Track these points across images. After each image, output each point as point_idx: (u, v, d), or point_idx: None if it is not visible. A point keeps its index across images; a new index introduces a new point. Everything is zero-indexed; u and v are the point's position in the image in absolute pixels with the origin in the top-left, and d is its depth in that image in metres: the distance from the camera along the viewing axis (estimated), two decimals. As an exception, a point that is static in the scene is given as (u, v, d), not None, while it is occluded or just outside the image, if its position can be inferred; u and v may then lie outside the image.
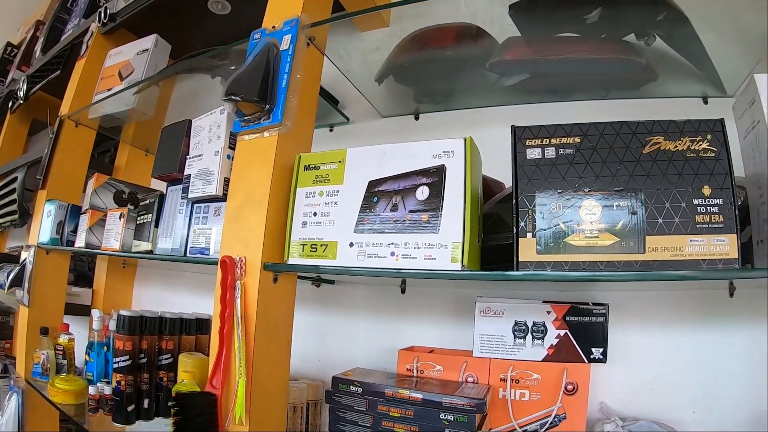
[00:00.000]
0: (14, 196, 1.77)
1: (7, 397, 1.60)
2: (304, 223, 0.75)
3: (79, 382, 1.35)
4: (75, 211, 1.45)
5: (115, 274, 1.76)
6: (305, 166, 0.79)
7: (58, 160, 1.62)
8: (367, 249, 0.68)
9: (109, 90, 1.51)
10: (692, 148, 0.56)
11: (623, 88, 0.98)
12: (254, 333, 0.77)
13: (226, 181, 0.89)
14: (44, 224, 1.55)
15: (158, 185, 1.36)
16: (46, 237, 1.50)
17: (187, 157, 0.98)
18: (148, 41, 1.49)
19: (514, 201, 0.60)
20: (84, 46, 1.74)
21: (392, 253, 0.66)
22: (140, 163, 1.86)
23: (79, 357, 1.58)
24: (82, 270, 1.82)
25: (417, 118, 1.24)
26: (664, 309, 0.90)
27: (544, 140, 0.62)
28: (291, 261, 0.76)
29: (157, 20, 1.53)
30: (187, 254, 0.93)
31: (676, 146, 0.57)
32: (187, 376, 0.96)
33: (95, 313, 1.37)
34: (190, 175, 0.95)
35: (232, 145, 0.91)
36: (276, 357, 0.84)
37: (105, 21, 1.62)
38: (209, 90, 1.46)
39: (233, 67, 1.22)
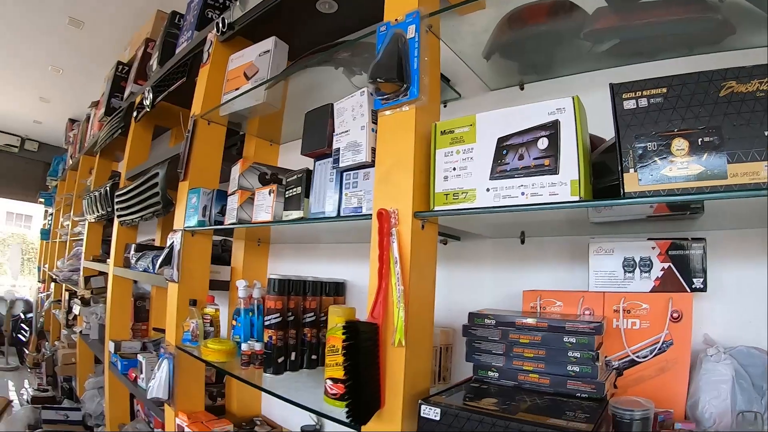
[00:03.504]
0: (157, 189, 2.21)
1: (158, 364, 2.03)
2: (446, 177, 1.03)
3: (228, 343, 1.72)
4: (220, 196, 1.83)
5: (251, 251, 2.17)
6: (441, 131, 1.07)
7: (195, 154, 2.01)
8: (502, 192, 0.95)
9: (236, 89, 1.86)
10: (761, 88, 0.77)
11: (705, 44, 1.16)
12: (408, 271, 1.06)
13: (373, 150, 1.19)
14: (189, 210, 1.95)
15: (290, 163, 1.71)
16: (194, 221, 1.89)
17: (334, 134, 1.30)
18: (269, 43, 1.82)
19: (617, 143, 0.84)
20: (206, 54, 2.13)
21: (522, 193, 0.92)
22: (266, 151, 2.25)
23: (223, 324, 1.99)
24: (215, 253, 2.25)
25: (522, 89, 1.49)
26: (757, 246, 1.08)
27: (637, 93, 0.84)
28: (437, 209, 1.04)
29: (270, 24, 1.88)
30: (341, 214, 1.25)
31: (746, 88, 0.77)
32: (339, 320, 1.28)
33: (240, 283, 1.72)
34: (339, 148, 1.26)
35: (374, 120, 1.20)
36: (425, 292, 1.13)
37: (224, 30, 1.98)
38: (321, 81, 1.75)
39: (356, 58, 1.54)
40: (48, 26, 4.64)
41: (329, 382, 1.26)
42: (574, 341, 1.05)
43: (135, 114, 3.07)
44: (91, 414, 3.61)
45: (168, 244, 2.02)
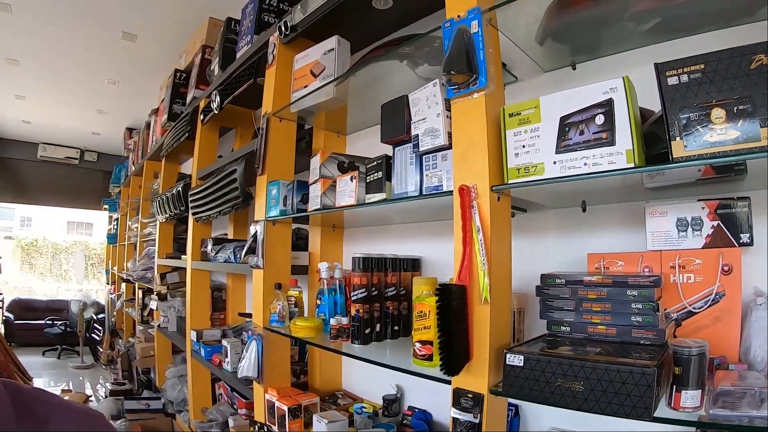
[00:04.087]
0: (236, 184, 2.46)
1: (247, 346, 2.26)
2: (516, 154, 1.21)
3: (315, 321, 1.93)
4: (300, 186, 2.04)
5: (327, 237, 2.40)
6: (509, 113, 1.25)
7: (270, 150, 2.23)
8: (567, 164, 1.13)
9: (305, 87, 2.06)
10: (786, 59, 0.92)
11: (740, 16, 1.27)
12: (490, 237, 1.25)
13: (449, 134, 1.38)
14: (270, 202, 2.17)
15: (359, 151, 1.91)
16: (275, 211, 2.11)
17: (412, 122, 1.49)
18: (332, 42, 2.00)
19: (664, 115, 1.00)
20: (270, 57, 2.33)
21: (585, 164, 1.10)
22: (334, 142, 2.47)
23: (305, 305, 2.21)
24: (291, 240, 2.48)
25: (574, 68, 1.64)
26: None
27: (678, 70, 1.00)
28: (511, 182, 1.23)
29: (329, 24, 2.07)
30: (423, 193, 1.44)
31: (774, 60, 0.92)
32: (426, 288, 1.47)
33: (323, 265, 1.92)
34: (417, 134, 1.45)
35: (447, 108, 1.39)
36: (503, 256, 1.33)
37: (287, 33, 2.18)
38: (383, 73, 1.90)
39: (419, 51, 1.72)
40: (103, 42, 4.98)
41: (418, 345, 1.44)
42: (636, 294, 1.20)
43: (202, 117, 3.32)
44: (172, 401, 3.92)
45: (251, 234, 2.25)
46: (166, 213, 3.88)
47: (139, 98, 6.60)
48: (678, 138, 0.99)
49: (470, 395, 1.28)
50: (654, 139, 1.11)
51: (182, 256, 3.78)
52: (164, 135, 4.38)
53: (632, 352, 1.12)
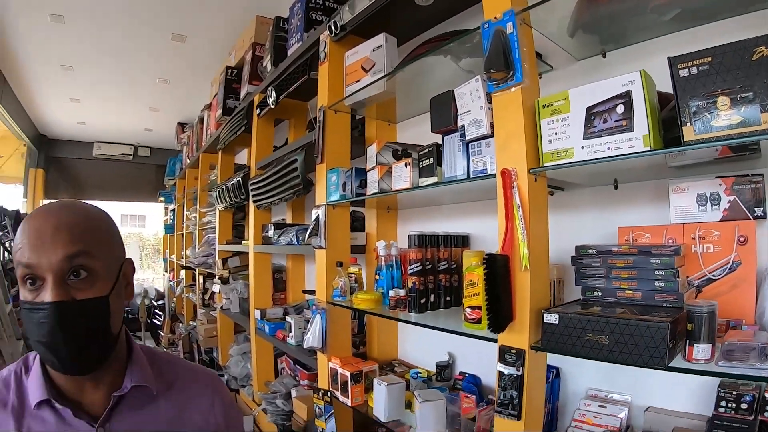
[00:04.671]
0: (297, 173, 2.71)
1: (311, 320, 2.51)
2: (550, 140, 1.41)
3: (375, 294, 2.15)
4: (358, 172, 2.27)
5: (382, 218, 2.64)
6: (543, 105, 1.44)
7: (328, 140, 2.46)
8: (593, 148, 1.32)
9: (357, 82, 2.27)
10: (783, 52, 1.06)
11: (756, 2, 1.37)
12: (528, 213, 1.45)
13: (491, 124, 1.58)
14: (330, 188, 2.41)
15: (409, 139, 2.12)
16: (336, 196, 2.35)
17: (458, 114, 1.70)
18: (380, 39, 2.20)
19: (676, 103, 1.17)
20: (322, 54, 2.55)
21: (608, 147, 1.28)
22: (385, 131, 2.70)
23: (364, 281, 2.45)
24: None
25: (604, 56, 1.79)
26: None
27: (689, 62, 1.15)
28: (546, 165, 1.43)
29: (376, 21, 2.26)
30: (470, 176, 1.66)
31: (773, 52, 1.07)
32: (475, 259, 1.67)
33: (380, 244, 2.14)
34: (464, 125, 1.66)
35: (488, 101, 1.59)
36: (541, 229, 1.53)
37: (337, 32, 2.39)
38: (428, 66, 2.07)
39: (461, 46, 1.89)
40: (153, 44, 5.32)
41: (468, 310, 1.66)
42: (659, 262, 1.39)
43: (258, 111, 3.58)
44: (236, 377, 4.22)
45: (313, 217, 2.49)
46: (226, 202, 4.17)
47: (189, 94, 6.95)
48: (689, 123, 1.16)
49: (513, 351, 1.49)
50: (672, 123, 1.26)
51: (243, 241, 4.08)
52: (219, 129, 4.65)
53: (653, 312, 1.31)
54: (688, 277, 1.44)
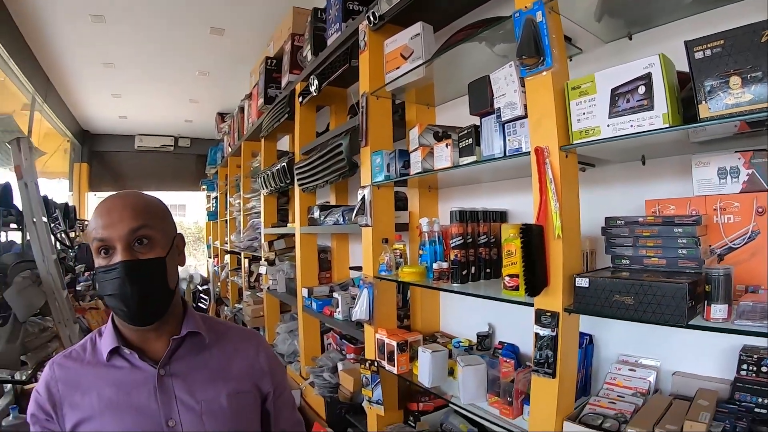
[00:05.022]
0: (343, 156, 2.90)
1: (359, 294, 2.69)
2: (578, 120, 1.55)
3: (420, 267, 2.30)
4: (401, 154, 2.44)
5: (424, 196, 2.81)
6: (572, 87, 1.57)
7: (371, 124, 2.62)
8: (617, 126, 1.45)
9: (397, 69, 2.42)
10: (789, 34, 1.16)
11: None
12: (560, 186, 1.60)
13: (524, 106, 1.73)
14: (374, 169, 2.57)
15: (448, 121, 2.28)
16: (381, 177, 2.52)
17: (494, 97, 1.85)
18: (417, 27, 2.34)
19: (692, 83, 1.29)
20: (362, 43, 2.70)
21: (631, 125, 1.42)
22: (425, 114, 2.86)
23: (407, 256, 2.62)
24: (392, 202, 2.90)
25: (630, 39, 1.89)
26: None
27: (704, 45, 1.24)
28: (575, 142, 1.57)
29: (413, 10, 2.40)
30: (506, 154, 1.81)
31: (780, 34, 1.17)
32: (513, 231, 1.79)
33: (424, 221, 2.29)
34: (500, 107, 1.82)
35: (522, 84, 1.73)
36: (572, 201, 1.67)
37: (375, 22, 2.55)
38: (463, 52, 2.17)
39: (495, 33, 2.01)
40: (192, 39, 5.57)
41: (507, 278, 1.82)
42: (682, 231, 1.50)
43: (300, 99, 3.75)
44: (283, 354, 4.44)
45: (359, 198, 2.66)
46: (271, 187, 4.38)
47: (228, 85, 7.22)
48: (704, 102, 1.27)
49: (548, 313, 1.65)
50: (691, 102, 1.35)
51: (288, 224, 4.30)
52: (261, 117, 4.85)
53: (675, 276, 1.44)
54: (710, 245, 1.54)
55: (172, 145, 10.46)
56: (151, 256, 1.18)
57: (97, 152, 10.22)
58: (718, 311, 1.33)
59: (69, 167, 9.65)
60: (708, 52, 1.27)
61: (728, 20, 1.44)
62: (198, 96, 7.92)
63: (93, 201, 10.11)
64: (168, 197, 15.54)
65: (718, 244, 1.54)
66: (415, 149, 2.30)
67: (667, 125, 1.36)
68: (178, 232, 1.31)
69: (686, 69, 1.34)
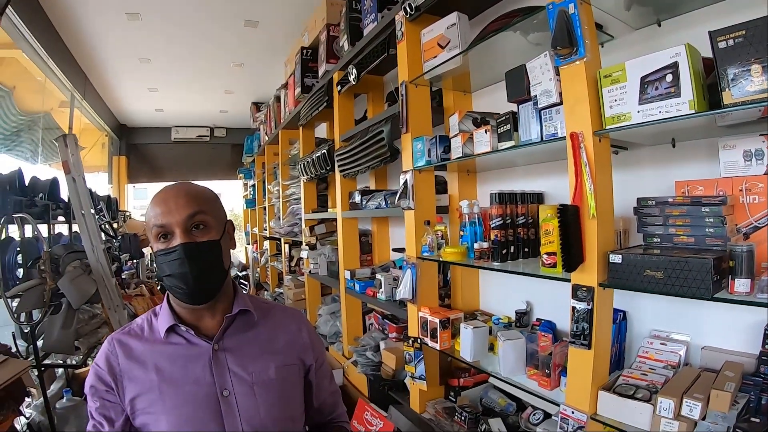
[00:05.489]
0: (384, 142, 3.04)
1: (402, 274, 2.83)
2: (611, 106, 1.67)
3: (461, 248, 2.43)
4: (442, 139, 2.57)
5: (463, 180, 2.94)
6: (604, 75, 1.68)
7: (411, 111, 2.75)
8: (647, 112, 1.56)
9: (434, 57, 2.54)
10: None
11: None
12: (594, 169, 1.72)
13: (559, 94, 1.85)
14: (416, 154, 2.70)
15: (484, 107, 2.40)
16: (422, 161, 2.65)
17: (530, 85, 1.98)
18: (453, 17, 2.45)
19: (716, 72, 1.39)
20: (399, 33, 2.82)
21: (659, 111, 1.53)
22: (462, 100, 2.99)
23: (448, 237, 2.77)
24: (432, 186, 3.04)
25: (659, 25, 1.96)
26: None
27: (726, 35, 1.33)
28: (608, 127, 1.69)
29: (446, 0, 2.52)
30: (543, 139, 1.93)
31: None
32: (550, 211, 1.90)
33: (464, 203, 2.41)
34: (536, 95, 1.94)
35: (556, 73, 1.85)
36: (605, 183, 1.78)
37: (412, 12, 2.67)
38: (497, 40, 2.26)
39: (529, 23, 2.10)
40: (227, 32, 5.74)
41: (545, 256, 1.94)
42: (709, 210, 1.62)
43: (339, 88, 3.88)
44: (325, 335, 4.61)
45: (401, 182, 2.80)
46: (311, 173, 4.55)
47: (262, 75, 7.41)
48: (727, 89, 1.37)
49: (584, 288, 1.77)
50: (717, 88, 1.45)
51: (328, 209, 4.46)
52: (298, 106, 5.00)
53: (702, 252, 1.56)
54: (737, 225, 1.63)
55: (207, 136, 10.74)
56: (207, 239, 1.31)
57: (135, 145, 10.58)
58: (741, 285, 1.44)
59: (108, 160, 10.00)
60: (731, 42, 1.37)
61: (754, 7, 1.53)
62: (233, 87, 8.12)
63: (132, 193, 10.44)
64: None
65: (743, 223, 1.63)
66: (456, 135, 2.44)
67: (693, 111, 1.46)
68: (228, 218, 1.45)
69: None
